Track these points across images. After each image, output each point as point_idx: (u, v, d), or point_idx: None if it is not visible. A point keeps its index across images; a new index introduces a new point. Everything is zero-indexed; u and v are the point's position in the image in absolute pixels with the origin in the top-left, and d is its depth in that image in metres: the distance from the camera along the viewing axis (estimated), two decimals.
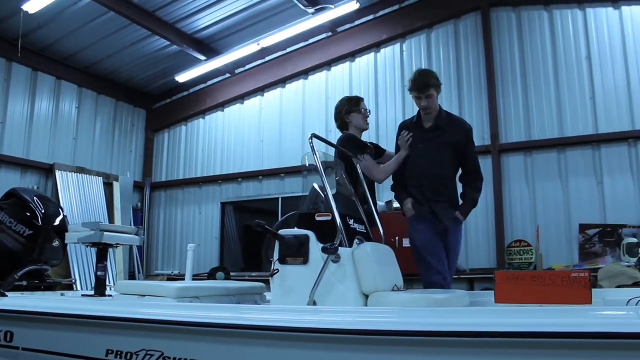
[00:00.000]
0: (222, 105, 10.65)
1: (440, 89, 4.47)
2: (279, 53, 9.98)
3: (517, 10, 8.37)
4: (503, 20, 8.44)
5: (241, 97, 10.40)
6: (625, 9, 7.63)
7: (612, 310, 2.55)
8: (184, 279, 6.69)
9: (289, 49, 9.89)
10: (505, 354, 2.47)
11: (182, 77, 10.17)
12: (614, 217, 7.17)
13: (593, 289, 2.91)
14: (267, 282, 3.63)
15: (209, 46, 9.82)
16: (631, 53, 7.52)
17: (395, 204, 7.95)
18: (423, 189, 4.44)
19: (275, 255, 3.40)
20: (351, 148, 4.33)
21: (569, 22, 7.98)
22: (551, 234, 7.46)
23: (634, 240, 6.70)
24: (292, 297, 3.31)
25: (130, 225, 9.83)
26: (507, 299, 2.71)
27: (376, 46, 9.26)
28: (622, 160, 7.31)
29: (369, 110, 4.80)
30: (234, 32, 9.46)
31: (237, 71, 10.44)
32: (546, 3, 8.15)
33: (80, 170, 9.79)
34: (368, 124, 4.70)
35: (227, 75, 10.54)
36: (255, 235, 3.69)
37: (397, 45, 9.13)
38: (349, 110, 4.55)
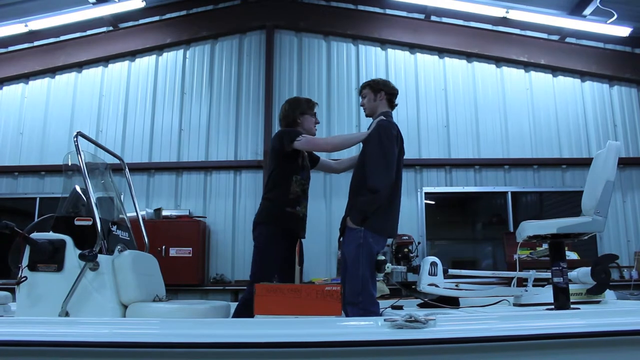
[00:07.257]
0: None
1: (379, 91, 3.95)
2: (51, 40, 9.15)
3: (300, 36, 8.99)
4: (285, 43, 8.96)
5: (0, 82, 9.29)
6: (390, 51, 8.93)
7: (356, 321, 2.83)
8: None
9: (62, 37, 9.14)
10: None
11: None
12: None
13: None
14: (13, 291, 3.29)
15: None
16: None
17: (166, 212, 7.78)
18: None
19: (25, 262, 3.12)
20: (289, 133, 3.90)
21: (344, 54, 8.97)
22: (314, 249, 7.89)
23: (382, 257, 7.46)
24: (41, 308, 3.09)
25: None
26: (267, 310, 2.82)
27: (159, 49, 9.04)
28: None
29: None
30: None
31: None
32: (325, 34, 8.99)
33: None
34: (316, 130, 4.33)
35: None
36: (3, 238, 3.33)
37: (181, 51, 9.03)
38: (304, 111, 4.15)
